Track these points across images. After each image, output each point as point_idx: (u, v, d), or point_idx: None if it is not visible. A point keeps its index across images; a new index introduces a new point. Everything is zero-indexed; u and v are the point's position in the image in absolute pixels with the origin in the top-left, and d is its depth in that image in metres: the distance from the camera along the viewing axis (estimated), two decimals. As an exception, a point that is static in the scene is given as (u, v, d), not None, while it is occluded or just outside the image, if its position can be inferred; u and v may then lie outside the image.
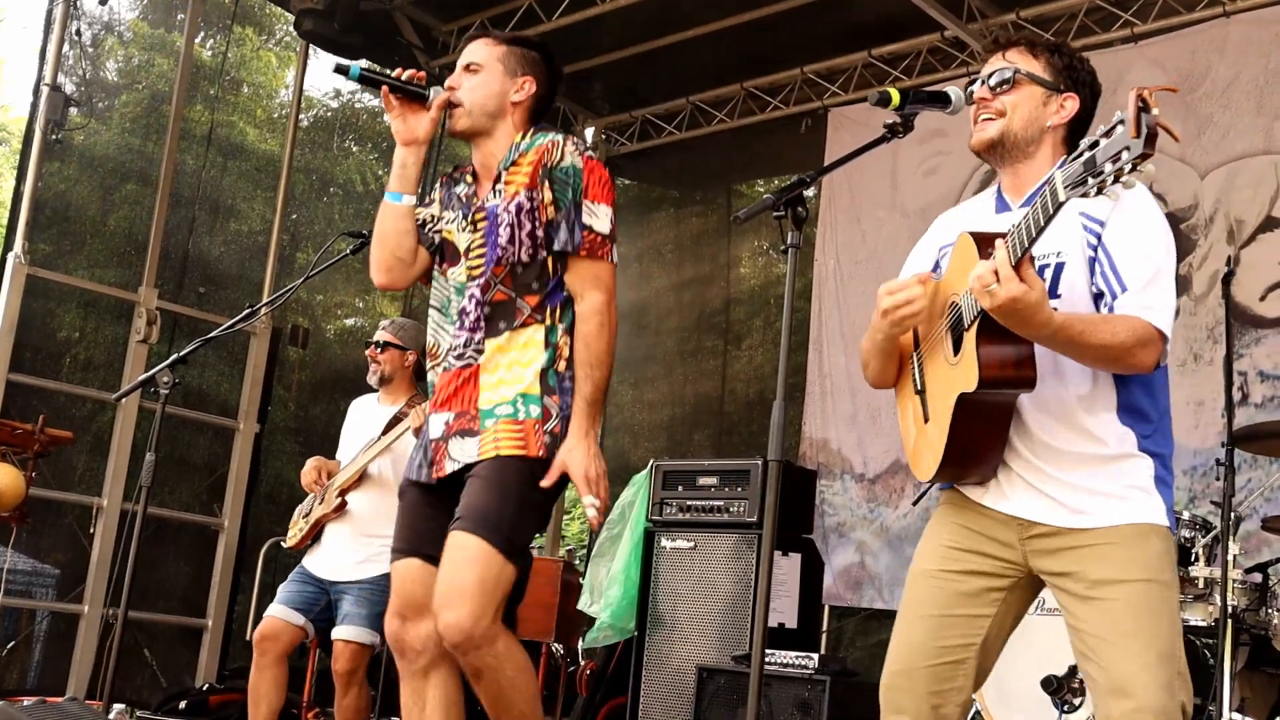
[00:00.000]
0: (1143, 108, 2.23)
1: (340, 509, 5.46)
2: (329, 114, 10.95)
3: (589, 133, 11.06)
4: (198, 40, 9.17)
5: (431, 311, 3.70)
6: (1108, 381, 2.79)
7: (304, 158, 10.02)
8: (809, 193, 3.10)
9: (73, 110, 8.34)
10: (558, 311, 3.52)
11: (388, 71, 3.60)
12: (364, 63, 3.65)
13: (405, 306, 10.04)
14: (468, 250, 3.59)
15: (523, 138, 3.62)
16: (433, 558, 3.45)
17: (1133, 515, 2.74)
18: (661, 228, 10.89)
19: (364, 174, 10.81)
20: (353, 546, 5.42)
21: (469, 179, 3.70)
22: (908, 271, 3.13)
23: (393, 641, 3.58)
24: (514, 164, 3.56)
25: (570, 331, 3.51)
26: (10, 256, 7.94)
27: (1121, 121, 2.27)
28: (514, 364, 3.48)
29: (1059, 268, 2.77)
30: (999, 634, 2.90)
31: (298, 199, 10.02)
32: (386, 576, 5.28)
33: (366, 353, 5.65)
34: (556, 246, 3.48)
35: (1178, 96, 7.64)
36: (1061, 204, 2.43)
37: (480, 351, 3.50)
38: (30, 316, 8.13)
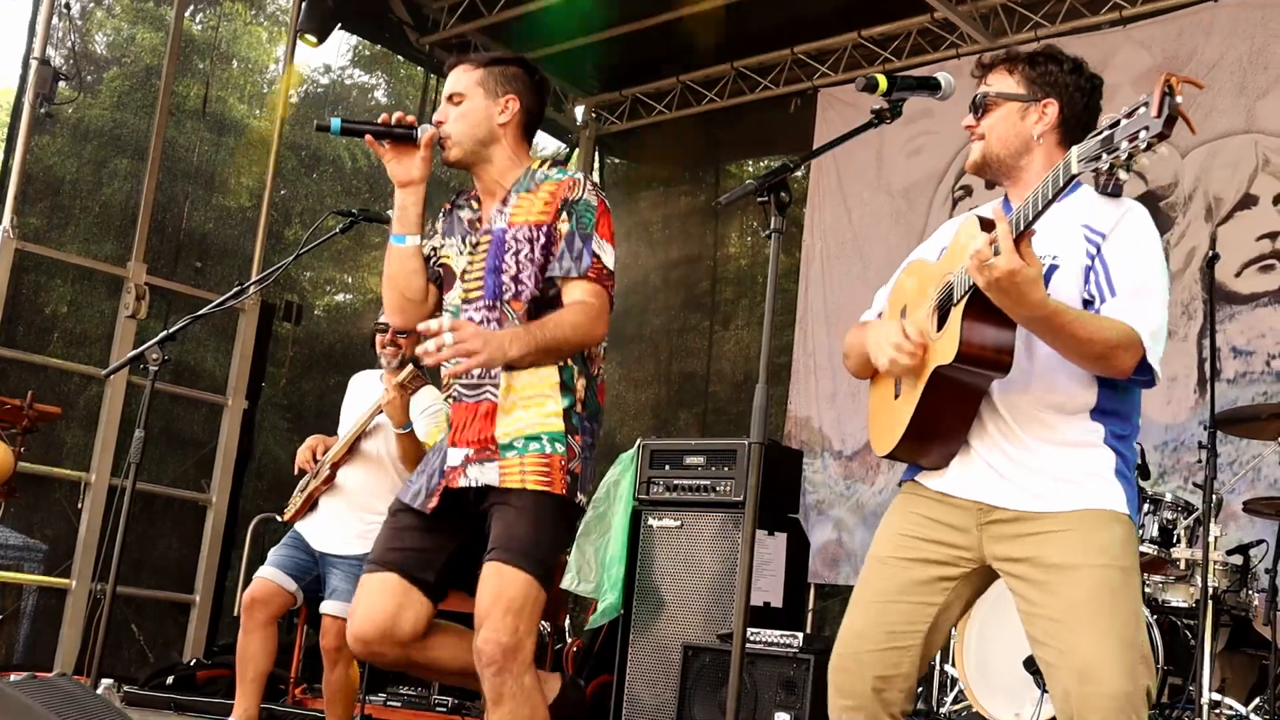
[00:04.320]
0: (1168, 92, 2.32)
1: (329, 480, 5.46)
2: (319, 90, 10.95)
3: (579, 111, 11.06)
4: (187, 14, 9.14)
5: None
6: (1088, 383, 2.80)
7: (293, 134, 10.01)
8: (797, 174, 3.11)
9: (61, 84, 8.32)
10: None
11: (370, 121, 3.52)
12: (341, 119, 3.54)
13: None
14: (464, 272, 3.55)
15: (540, 166, 3.59)
16: (418, 580, 3.45)
17: (1092, 501, 2.76)
18: (649, 207, 10.90)
19: (353, 151, 10.80)
20: (348, 520, 5.41)
21: (474, 204, 3.64)
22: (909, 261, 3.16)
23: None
24: (529, 191, 3.52)
25: (585, 374, 3.50)
26: (-1, 230, 7.94)
27: (1145, 103, 2.35)
28: (530, 400, 3.44)
29: (1051, 269, 2.78)
30: (945, 622, 2.93)
31: (287, 175, 10.02)
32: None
33: (383, 338, 5.46)
34: (558, 271, 3.44)
35: (1162, 75, 7.66)
36: (1074, 176, 2.48)
37: (496, 386, 3.45)
38: (20, 291, 8.14)
